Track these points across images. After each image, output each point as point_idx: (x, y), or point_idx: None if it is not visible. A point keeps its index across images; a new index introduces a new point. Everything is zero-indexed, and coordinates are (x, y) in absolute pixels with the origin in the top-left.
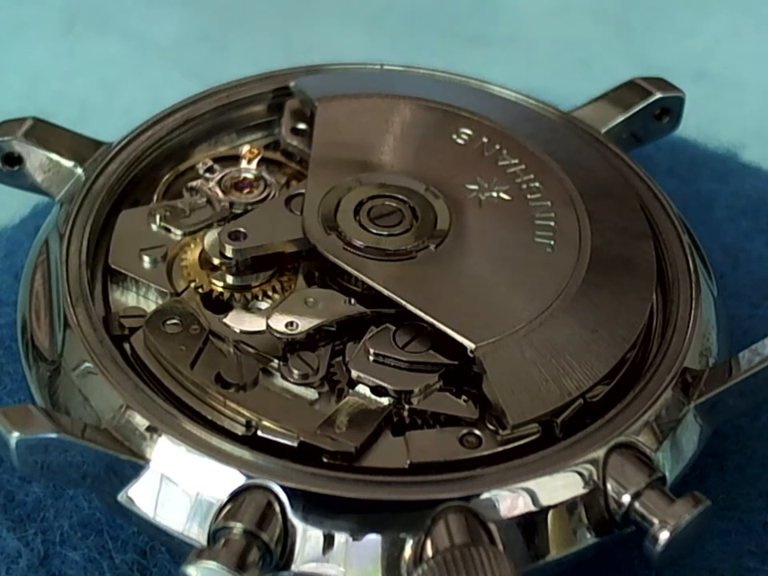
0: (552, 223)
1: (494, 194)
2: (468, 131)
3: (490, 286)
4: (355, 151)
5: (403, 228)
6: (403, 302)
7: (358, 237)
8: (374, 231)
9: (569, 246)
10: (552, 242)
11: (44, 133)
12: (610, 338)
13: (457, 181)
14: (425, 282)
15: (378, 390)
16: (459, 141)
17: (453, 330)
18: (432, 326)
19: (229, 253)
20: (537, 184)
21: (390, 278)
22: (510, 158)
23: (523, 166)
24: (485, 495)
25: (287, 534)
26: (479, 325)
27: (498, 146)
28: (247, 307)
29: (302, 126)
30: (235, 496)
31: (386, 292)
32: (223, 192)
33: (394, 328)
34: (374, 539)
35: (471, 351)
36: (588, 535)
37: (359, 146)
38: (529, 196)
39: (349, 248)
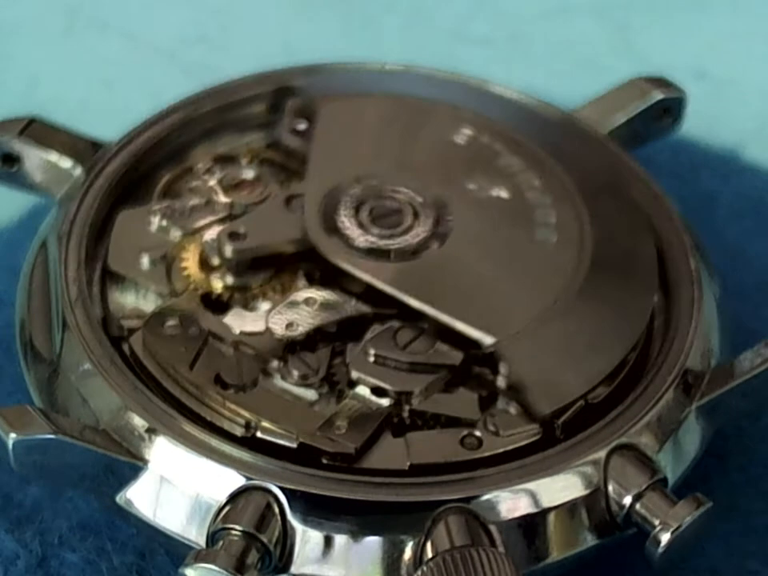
0: (553, 223)
1: (495, 194)
2: (468, 131)
3: (496, 282)
4: (356, 151)
5: (404, 228)
6: (412, 301)
7: (358, 237)
8: (375, 231)
9: (570, 247)
10: (553, 243)
11: (43, 132)
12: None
13: (457, 180)
14: (431, 280)
15: (378, 391)
16: (459, 140)
17: (469, 325)
18: (443, 324)
19: (228, 253)
20: (537, 184)
21: (396, 277)
22: (509, 158)
23: (524, 167)
24: (485, 496)
25: (286, 536)
26: (494, 320)
27: (498, 146)
28: (247, 308)
29: (302, 126)
30: (234, 497)
31: (392, 291)
32: (223, 192)
33: (394, 328)
34: (373, 541)
35: (489, 346)
36: (589, 537)
37: (360, 145)
38: (529, 196)
39: (350, 248)
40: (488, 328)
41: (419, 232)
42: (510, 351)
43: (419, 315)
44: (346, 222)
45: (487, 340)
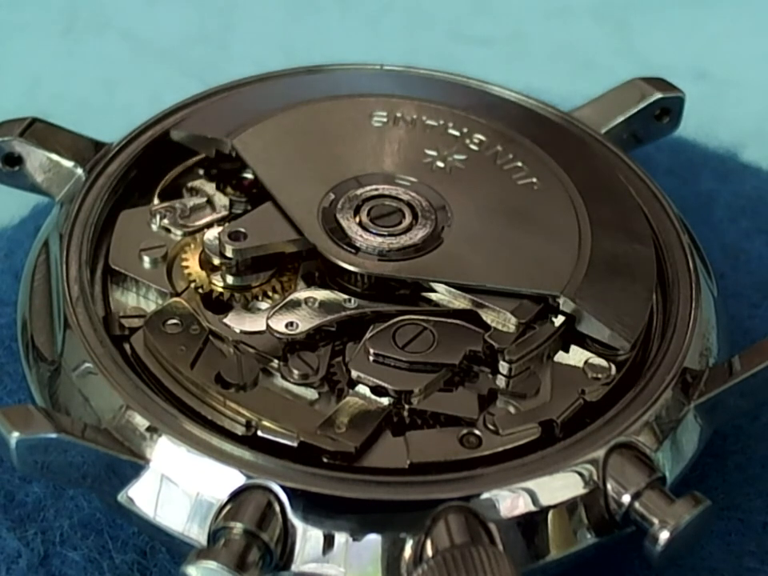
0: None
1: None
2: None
3: (515, 253)
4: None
5: (405, 227)
6: (445, 281)
7: (360, 236)
8: (374, 231)
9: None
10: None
11: (44, 133)
12: None
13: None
14: (454, 262)
15: (377, 390)
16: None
17: (526, 287)
18: (496, 292)
19: (229, 253)
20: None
21: (417, 267)
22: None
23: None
24: (485, 495)
25: (287, 534)
26: (541, 275)
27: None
28: (247, 307)
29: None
30: (235, 496)
31: (424, 278)
32: (223, 192)
33: (394, 328)
34: (374, 539)
35: (557, 298)
36: (588, 535)
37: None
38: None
39: (349, 248)
40: (547, 285)
41: (421, 229)
42: (578, 297)
43: (419, 313)
44: (346, 222)
45: (554, 292)
